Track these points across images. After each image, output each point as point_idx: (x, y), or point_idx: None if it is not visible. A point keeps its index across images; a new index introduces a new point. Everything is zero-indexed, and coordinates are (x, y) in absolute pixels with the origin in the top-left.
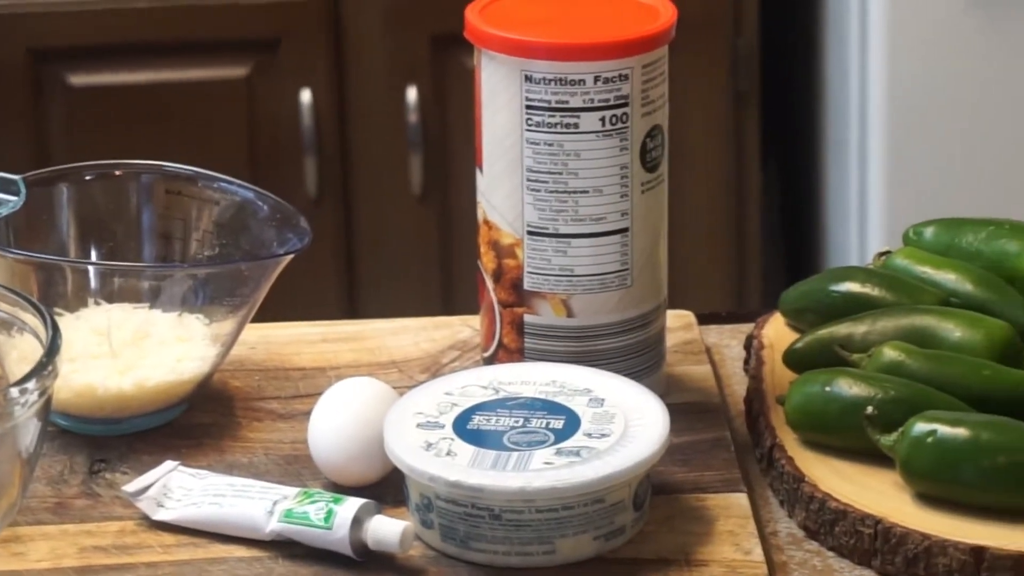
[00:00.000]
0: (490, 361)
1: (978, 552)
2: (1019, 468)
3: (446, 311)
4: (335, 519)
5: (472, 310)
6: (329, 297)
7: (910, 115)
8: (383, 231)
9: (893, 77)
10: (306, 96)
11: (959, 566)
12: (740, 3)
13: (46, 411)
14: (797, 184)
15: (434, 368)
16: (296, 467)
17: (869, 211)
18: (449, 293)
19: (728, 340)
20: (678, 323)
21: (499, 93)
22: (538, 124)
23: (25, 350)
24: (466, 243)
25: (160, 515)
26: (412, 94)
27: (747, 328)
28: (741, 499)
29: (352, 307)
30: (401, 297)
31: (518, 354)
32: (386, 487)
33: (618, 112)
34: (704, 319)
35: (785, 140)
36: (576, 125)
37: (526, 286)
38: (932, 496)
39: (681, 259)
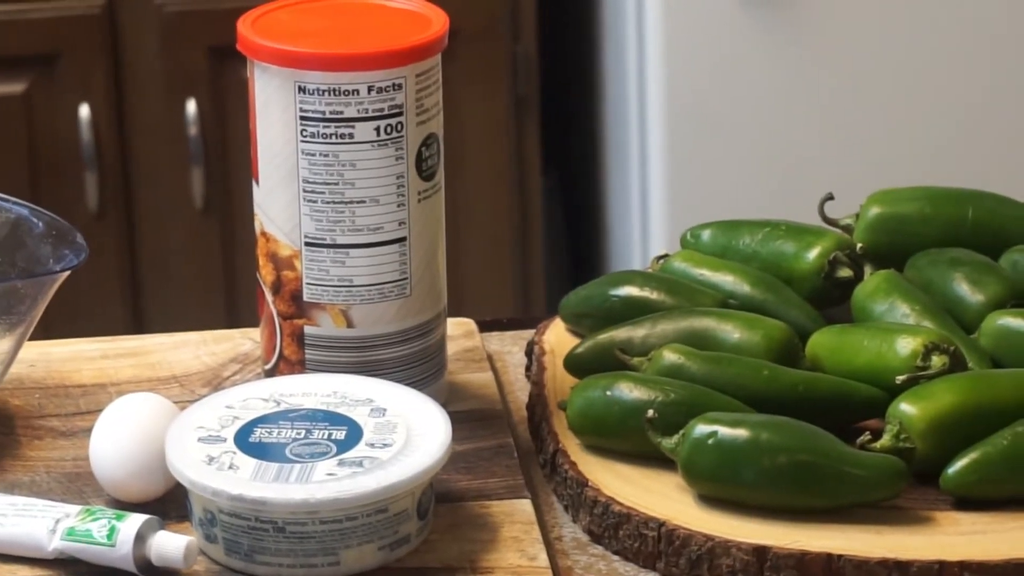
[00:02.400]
0: (271, 373)
1: (761, 551)
2: (799, 467)
3: (231, 324)
4: (118, 536)
5: (255, 323)
6: (114, 313)
7: (689, 118)
8: (166, 245)
9: (671, 80)
10: (84, 111)
11: (742, 566)
12: (518, 10)
13: None
14: (580, 190)
15: (215, 382)
16: (78, 484)
17: (651, 215)
18: (233, 306)
19: (510, 347)
20: (459, 331)
21: (273, 105)
22: (313, 135)
23: None
24: (249, 256)
25: None
26: (191, 107)
27: (529, 334)
28: (525, 505)
29: (137, 322)
30: (186, 311)
31: (299, 366)
32: (169, 503)
33: (393, 121)
34: (485, 326)
35: (567, 146)
36: (351, 135)
37: (305, 297)
38: (714, 497)
39: (464, 267)
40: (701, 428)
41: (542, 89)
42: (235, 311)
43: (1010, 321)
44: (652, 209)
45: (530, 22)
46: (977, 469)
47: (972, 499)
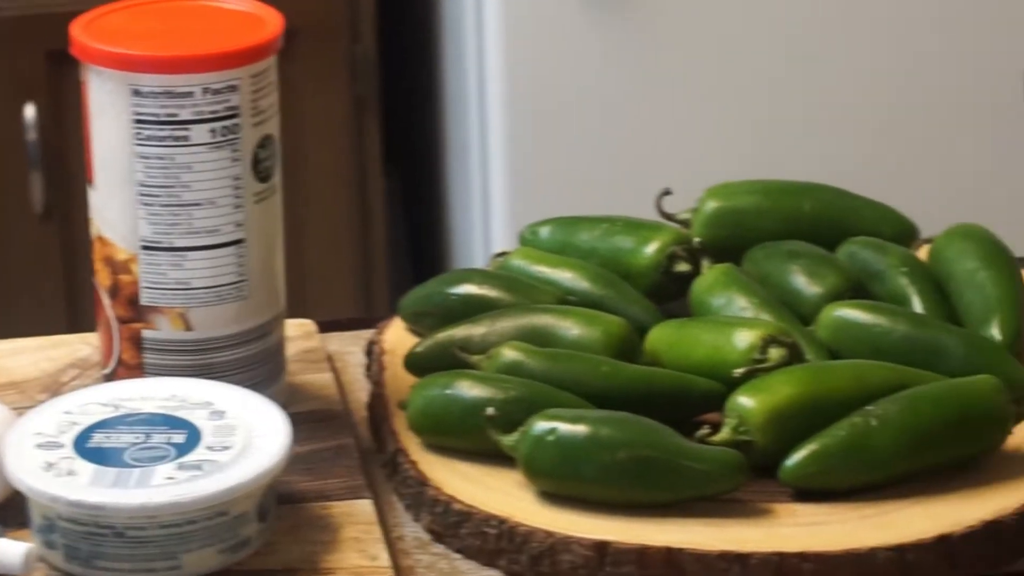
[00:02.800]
0: (110, 378)
1: (601, 547)
2: (639, 462)
3: (73, 330)
4: None
5: (96, 327)
6: None
7: (529, 116)
8: (5, 251)
9: (511, 79)
10: None
11: (583, 562)
12: (357, 10)
13: None
14: (422, 189)
15: (54, 388)
16: None
17: (492, 214)
18: (75, 312)
19: (350, 347)
20: (298, 332)
21: (107, 108)
22: (148, 138)
23: None
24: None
25: None
26: (30, 111)
27: (369, 334)
28: (366, 505)
29: None
30: (26, 318)
31: (138, 370)
32: (8, 510)
33: (228, 123)
34: (325, 327)
35: (409, 146)
36: (186, 138)
37: (143, 301)
38: (555, 494)
39: (306, 268)
40: (541, 425)
41: (383, 89)
42: (76, 317)
43: (847, 313)
44: (493, 207)
45: (369, 22)
46: (815, 461)
47: (811, 491)
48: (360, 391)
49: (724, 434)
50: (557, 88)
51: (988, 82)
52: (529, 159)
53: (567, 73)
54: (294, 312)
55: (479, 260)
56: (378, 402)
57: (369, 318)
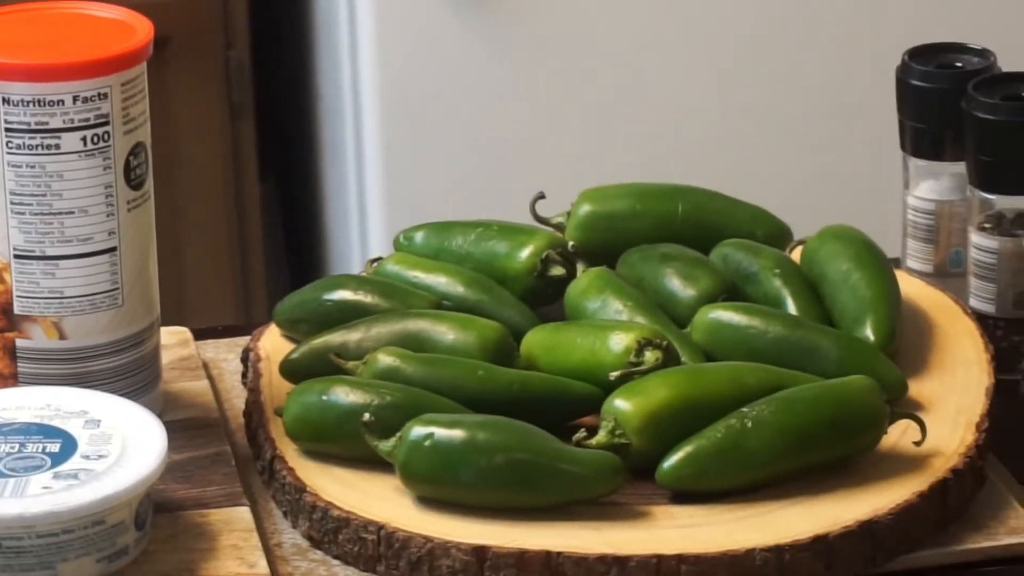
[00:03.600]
0: None
1: (480, 551)
2: (516, 466)
3: None
4: None
5: None
6: None
7: (403, 121)
8: None
9: (384, 84)
10: None
11: (462, 566)
12: (230, 16)
13: None
14: (299, 195)
15: None
16: None
17: (368, 219)
18: None
19: (226, 354)
20: (174, 339)
21: None
22: (19, 147)
23: None
24: None
25: None
26: None
27: (245, 341)
28: (244, 512)
29: None
30: None
31: (12, 379)
32: None
33: (99, 131)
34: (201, 334)
35: (285, 151)
36: (58, 146)
37: (16, 310)
38: (433, 499)
39: (183, 276)
40: (417, 430)
41: (257, 95)
42: None
43: (721, 315)
44: (369, 213)
45: (242, 28)
46: (692, 463)
47: (688, 492)
48: (237, 398)
49: (601, 437)
50: (431, 92)
51: (859, 81)
52: (404, 164)
53: (441, 77)
54: (172, 320)
55: (356, 266)
56: (254, 409)
57: (245, 325)
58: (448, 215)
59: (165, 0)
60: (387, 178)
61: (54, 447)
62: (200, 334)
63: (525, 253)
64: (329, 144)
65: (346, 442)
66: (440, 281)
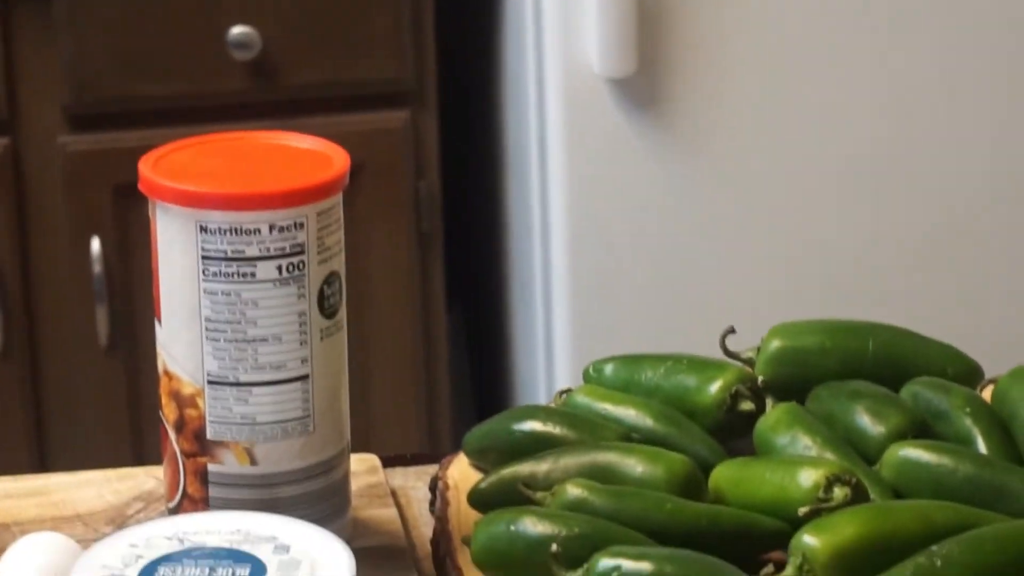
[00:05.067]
0: (175, 511)
1: None
2: None
3: (137, 463)
4: None
5: (160, 461)
6: (18, 453)
7: (592, 252)
8: (71, 384)
9: (573, 215)
10: None
11: None
12: (421, 146)
13: None
14: (486, 325)
15: (119, 520)
16: None
17: (555, 350)
18: (139, 445)
19: (414, 482)
20: (363, 467)
21: (175, 244)
22: (215, 274)
23: None
24: (154, 394)
25: None
26: (96, 245)
27: (433, 470)
28: None
29: (42, 462)
30: (91, 450)
31: (203, 503)
32: None
33: (294, 260)
34: (389, 462)
35: (472, 282)
36: (253, 274)
37: (209, 435)
38: None
39: (371, 403)
40: (605, 562)
41: (446, 224)
42: (140, 450)
43: (911, 452)
44: (556, 344)
45: (433, 158)
46: None
47: None
48: (424, 526)
49: (789, 573)
50: (621, 226)
51: None
52: (592, 296)
53: (631, 210)
54: (360, 448)
55: (542, 397)
56: (442, 537)
57: (433, 453)
58: (635, 348)
59: (359, 129)
60: (574, 310)
61: (244, 572)
62: (389, 462)
63: (715, 387)
64: (516, 274)
65: (534, 573)
66: (629, 414)
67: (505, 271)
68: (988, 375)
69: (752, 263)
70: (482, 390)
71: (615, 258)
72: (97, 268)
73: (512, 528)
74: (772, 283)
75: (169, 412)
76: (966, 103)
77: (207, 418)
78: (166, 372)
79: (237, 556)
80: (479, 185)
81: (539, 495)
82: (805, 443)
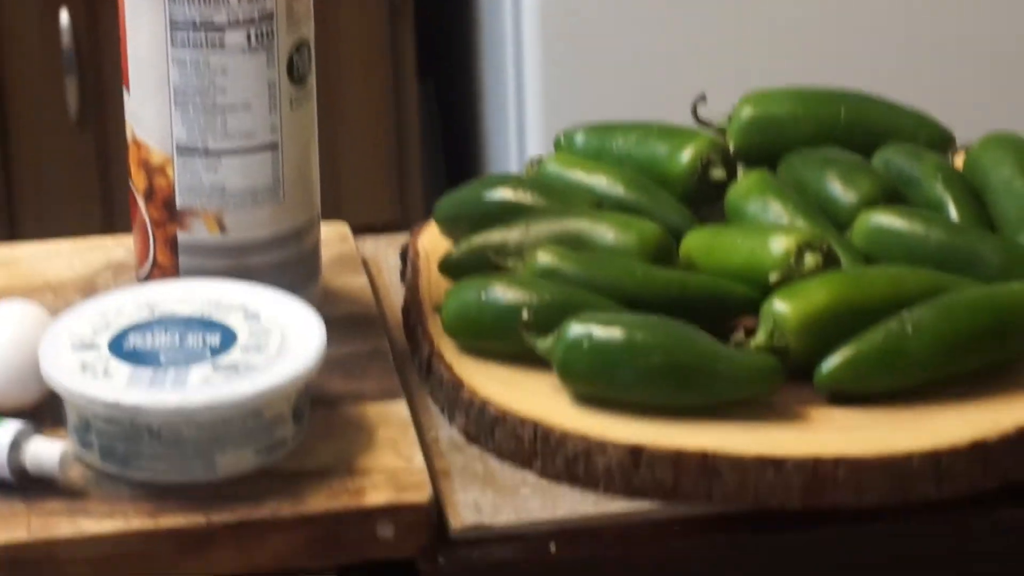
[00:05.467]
0: (145, 280)
1: (636, 451)
2: (674, 366)
3: (107, 233)
4: None
5: (130, 230)
6: None
7: (564, 20)
8: (41, 156)
9: None
10: None
11: (618, 465)
12: None
13: None
14: (457, 95)
15: (89, 289)
16: None
17: (526, 120)
18: (109, 216)
19: (385, 251)
20: (333, 235)
21: (142, 13)
22: (183, 42)
23: None
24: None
25: None
26: (64, 18)
27: (403, 238)
28: (401, 407)
29: (13, 233)
30: (61, 221)
31: (173, 272)
32: (45, 410)
33: (263, 27)
34: (360, 230)
35: (443, 52)
36: (222, 42)
37: (178, 204)
38: (590, 397)
39: (342, 173)
40: (576, 329)
41: None
42: (110, 220)
43: (882, 219)
44: (528, 113)
45: None
46: (850, 366)
47: (846, 395)
48: (395, 295)
49: (759, 339)
50: None
51: None
52: (563, 65)
53: None
54: (331, 216)
55: (514, 166)
56: (413, 306)
57: (403, 222)
58: (606, 118)
59: None
60: (545, 79)
61: (214, 340)
62: (359, 231)
63: (686, 155)
64: (488, 44)
65: (504, 340)
66: (600, 182)
67: (477, 41)
68: (960, 143)
69: (725, 30)
70: (454, 159)
71: (587, 26)
72: (66, 40)
73: (483, 296)
74: (745, 50)
75: (138, 181)
76: None
77: (176, 186)
78: (135, 141)
79: (208, 324)
80: None
81: (510, 263)
82: (776, 210)
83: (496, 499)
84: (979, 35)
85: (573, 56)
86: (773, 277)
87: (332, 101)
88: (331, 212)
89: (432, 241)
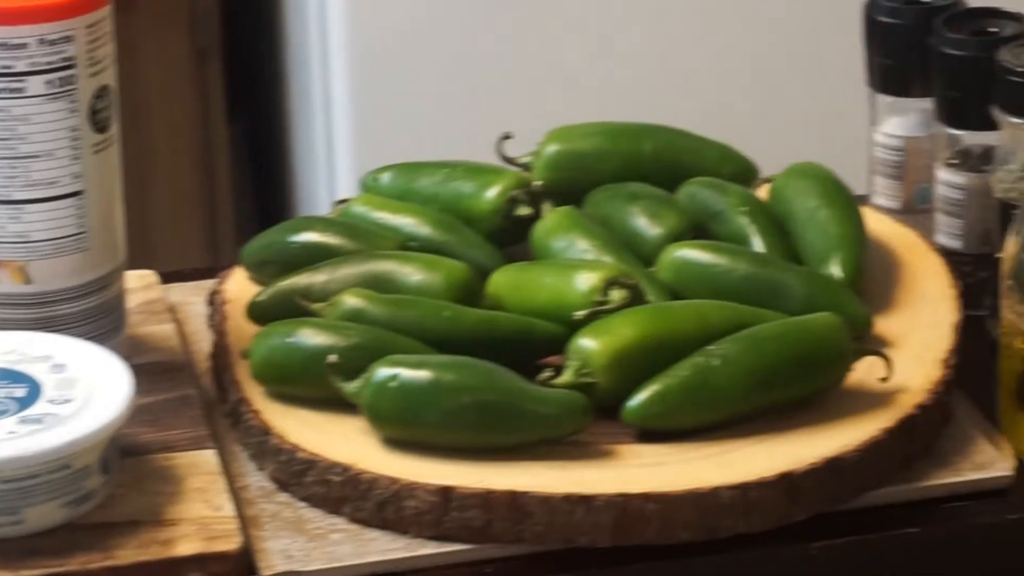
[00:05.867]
0: None
1: (446, 492)
2: (482, 406)
3: None
4: None
5: None
6: None
7: (373, 61)
8: None
9: (353, 25)
10: None
11: (428, 507)
12: None
13: None
14: (269, 139)
15: None
16: None
17: (337, 161)
18: None
19: (192, 297)
20: (140, 283)
21: None
22: None
23: None
24: None
25: None
26: None
27: (211, 284)
28: (210, 456)
29: None
30: None
31: None
32: None
33: (64, 74)
34: (168, 277)
35: (253, 94)
36: (22, 90)
37: None
38: (399, 440)
39: (152, 219)
40: (383, 371)
41: (225, 39)
42: None
43: (688, 253)
44: (338, 155)
45: None
46: (658, 401)
47: (654, 431)
48: (203, 342)
49: (567, 376)
50: (399, 34)
51: (826, 17)
52: (372, 106)
53: (409, 17)
54: (142, 264)
55: (324, 208)
56: (220, 351)
57: (212, 268)
58: (416, 157)
59: None
60: (355, 119)
61: (20, 392)
62: (167, 277)
63: (492, 193)
64: (297, 86)
65: (312, 384)
66: (406, 222)
67: (286, 82)
68: (764, 174)
69: (530, 66)
70: (265, 205)
71: (394, 66)
72: None
73: (290, 340)
74: (550, 88)
75: None
76: None
77: None
78: None
79: (13, 376)
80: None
81: (317, 306)
82: (582, 246)
83: (307, 546)
84: (777, 67)
85: (382, 96)
86: (579, 314)
87: (139, 146)
88: (141, 259)
89: (240, 286)
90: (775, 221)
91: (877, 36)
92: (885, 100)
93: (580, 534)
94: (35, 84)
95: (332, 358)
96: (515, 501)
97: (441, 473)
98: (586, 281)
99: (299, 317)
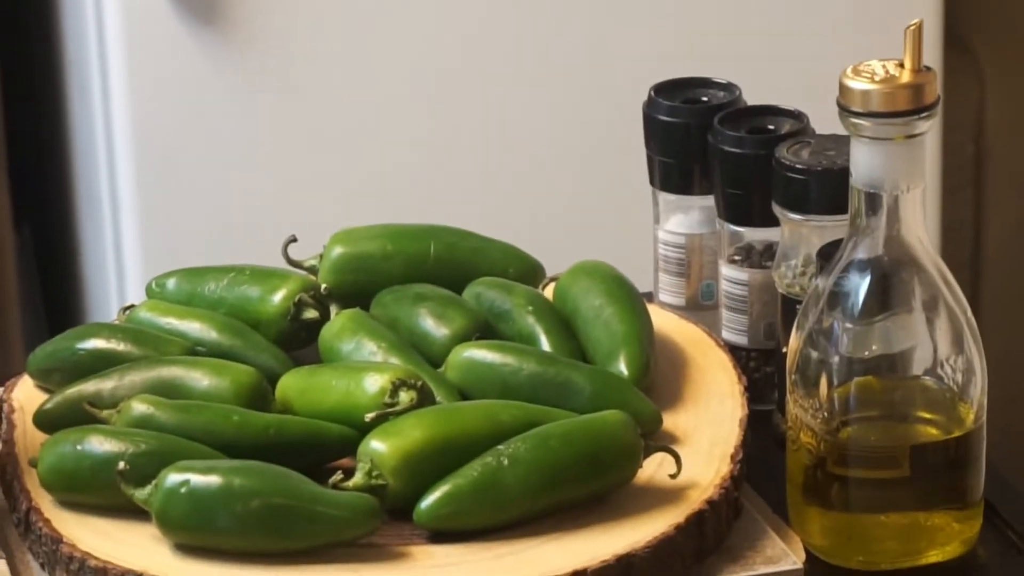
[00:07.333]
0: None
1: None
2: (273, 511)
3: None
4: None
5: None
6: None
7: (158, 167)
8: None
9: (138, 130)
10: None
11: None
12: None
13: None
14: (56, 244)
15: None
16: None
17: (126, 267)
18: None
19: None
20: None
21: None
22: None
23: None
24: None
25: None
26: None
27: None
28: (1, 566)
29: None
30: None
31: None
32: None
33: None
34: None
35: (40, 199)
36: None
37: None
38: (191, 546)
39: None
40: (173, 477)
41: (11, 144)
42: None
43: (475, 353)
44: (126, 261)
45: None
46: (449, 502)
47: (446, 532)
48: None
49: (357, 479)
50: (185, 140)
51: (606, 117)
52: (160, 211)
53: (193, 125)
54: None
55: (114, 315)
56: (8, 461)
57: (3, 377)
58: (206, 261)
59: None
60: (143, 225)
61: None
62: None
63: (278, 297)
64: (84, 191)
65: (102, 492)
66: (193, 327)
67: (73, 187)
68: (549, 273)
69: (314, 169)
70: (54, 311)
71: (180, 170)
72: None
73: (78, 448)
74: (335, 190)
75: None
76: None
77: None
78: None
79: None
80: (43, 106)
81: (105, 413)
82: (370, 348)
83: None
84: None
85: (168, 202)
86: (369, 416)
87: None
88: None
89: (27, 394)
90: (561, 320)
91: (657, 135)
92: (668, 198)
93: None
94: None
95: (121, 465)
96: None
97: None
98: (374, 383)
99: (87, 425)
